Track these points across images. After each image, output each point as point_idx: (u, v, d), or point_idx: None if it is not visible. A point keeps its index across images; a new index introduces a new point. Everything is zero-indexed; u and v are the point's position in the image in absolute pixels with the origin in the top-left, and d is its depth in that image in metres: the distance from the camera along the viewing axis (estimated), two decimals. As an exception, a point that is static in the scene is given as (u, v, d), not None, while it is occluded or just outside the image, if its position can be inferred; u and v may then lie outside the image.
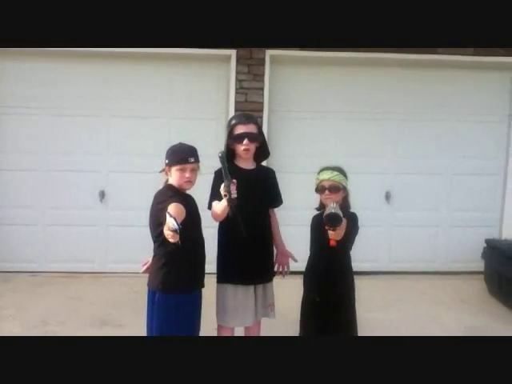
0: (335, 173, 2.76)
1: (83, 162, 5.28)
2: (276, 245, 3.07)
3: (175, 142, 2.74)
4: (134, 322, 3.71)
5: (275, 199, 3.03)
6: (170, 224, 2.13)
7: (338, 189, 2.74)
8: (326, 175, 2.75)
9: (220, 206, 2.57)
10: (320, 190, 2.77)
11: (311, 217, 2.93)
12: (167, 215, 2.18)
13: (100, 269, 5.33)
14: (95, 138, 5.28)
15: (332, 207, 2.34)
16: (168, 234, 2.16)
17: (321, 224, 2.43)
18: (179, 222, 2.17)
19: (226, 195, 2.43)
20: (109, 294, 4.66)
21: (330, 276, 2.71)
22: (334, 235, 2.39)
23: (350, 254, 2.79)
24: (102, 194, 5.30)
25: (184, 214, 2.36)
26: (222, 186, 2.44)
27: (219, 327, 2.93)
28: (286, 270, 3.08)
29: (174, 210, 2.29)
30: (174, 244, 2.20)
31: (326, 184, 2.73)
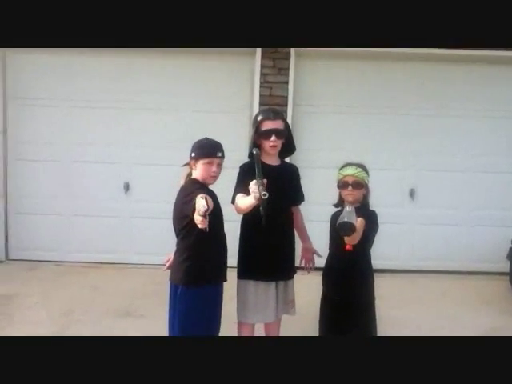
0: (359, 169, 2.74)
1: (107, 154, 5.35)
2: (302, 240, 3.07)
3: (198, 135, 2.75)
4: (155, 314, 3.75)
5: (298, 196, 3.02)
6: (201, 206, 2.12)
7: (360, 185, 2.72)
8: (350, 171, 2.73)
9: (246, 202, 2.54)
10: (342, 185, 2.75)
11: (332, 212, 2.91)
12: (198, 198, 2.18)
13: (122, 260, 5.39)
14: (118, 131, 5.34)
15: (347, 212, 2.33)
16: (198, 218, 2.15)
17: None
18: (209, 211, 2.17)
19: (256, 193, 2.37)
20: (131, 285, 4.73)
21: (349, 275, 2.69)
22: (349, 240, 2.38)
23: (369, 253, 2.77)
24: (127, 186, 5.37)
25: (213, 205, 2.37)
26: (253, 183, 2.40)
27: (239, 323, 2.94)
28: (311, 265, 3.09)
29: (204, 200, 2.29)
30: (201, 230, 2.19)
31: (350, 180, 2.71)
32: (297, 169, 3.06)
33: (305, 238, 3.10)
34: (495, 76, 5.36)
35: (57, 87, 5.30)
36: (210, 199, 2.34)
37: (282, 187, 2.78)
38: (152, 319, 3.78)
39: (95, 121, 5.33)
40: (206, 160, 2.59)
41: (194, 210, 2.29)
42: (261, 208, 2.41)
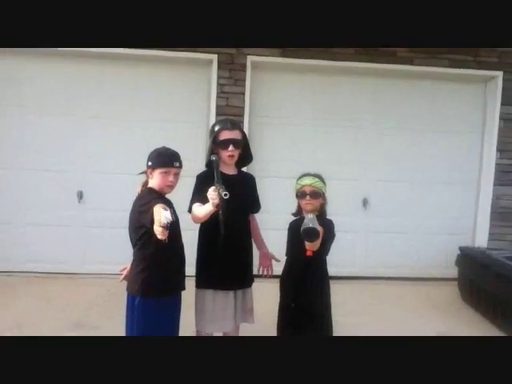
0: (316, 179, 2.82)
1: (60, 162, 5.23)
2: (258, 247, 3.12)
3: (155, 144, 2.76)
4: (110, 325, 3.70)
5: (255, 204, 3.08)
6: (163, 218, 2.13)
7: (318, 195, 2.80)
8: (307, 181, 2.80)
9: (204, 210, 2.57)
10: (300, 195, 2.82)
11: (288, 221, 2.97)
12: (159, 210, 2.19)
13: (76, 270, 5.27)
14: (74, 138, 5.24)
15: (310, 219, 2.39)
16: (158, 229, 2.16)
17: (297, 232, 2.48)
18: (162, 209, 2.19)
19: (214, 200, 2.41)
20: (85, 296, 4.63)
21: (306, 282, 2.75)
22: (311, 246, 2.44)
23: (325, 260, 2.84)
24: (80, 195, 5.26)
25: (173, 216, 2.38)
26: (211, 189, 2.44)
27: (197, 332, 2.95)
28: (269, 272, 3.12)
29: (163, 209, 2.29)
30: (159, 240, 2.19)
31: (307, 190, 2.79)
32: (254, 178, 3.12)
33: (262, 245, 3.15)
34: (448, 92, 5.62)
35: (7, 92, 5.16)
36: (169, 210, 2.35)
37: (240, 196, 2.81)
38: (107, 330, 3.70)
39: (48, 128, 5.20)
40: (163, 169, 2.60)
41: (152, 220, 2.29)
42: (220, 213, 2.45)
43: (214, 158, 2.53)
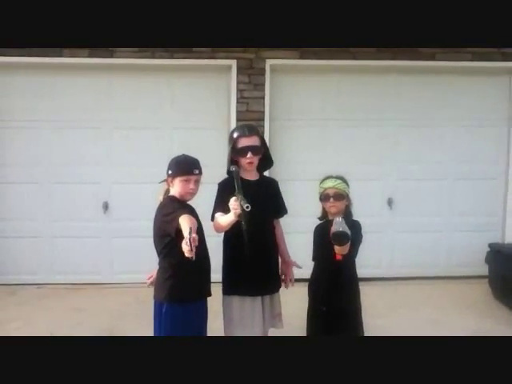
0: (338, 181, 2.80)
1: (85, 174, 5.32)
2: (280, 254, 3.06)
3: (176, 151, 2.79)
4: (140, 333, 3.68)
5: (280, 209, 3.05)
6: (191, 242, 2.12)
7: (342, 197, 2.78)
8: (329, 183, 2.79)
9: (226, 219, 2.56)
10: (324, 198, 2.81)
11: (314, 224, 2.96)
12: (187, 230, 2.17)
13: (105, 280, 5.35)
14: (96, 150, 5.33)
15: (338, 223, 2.36)
16: (185, 248, 2.15)
17: (324, 235, 2.46)
18: (194, 233, 2.18)
19: (236, 210, 2.39)
20: (114, 305, 4.68)
21: (336, 286, 2.73)
22: (341, 250, 2.42)
23: (355, 262, 2.82)
24: (106, 206, 5.34)
25: (196, 226, 2.38)
26: (233, 199, 2.42)
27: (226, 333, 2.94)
28: (290, 279, 3.05)
29: (190, 223, 2.28)
30: (187, 259, 2.18)
31: (331, 192, 2.77)
32: (276, 182, 3.10)
33: (284, 252, 3.09)
34: (473, 86, 5.51)
35: (34, 109, 5.27)
36: (195, 223, 2.36)
37: (262, 201, 2.81)
38: (137, 339, 3.73)
39: (74, 140, 5.30)
40: (184, 177, 2.61)
41: (177, 230, 2.32)
42: (242, 223, 2.44)
43: (233, 168, 2.52)
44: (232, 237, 2.82)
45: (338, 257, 2.47)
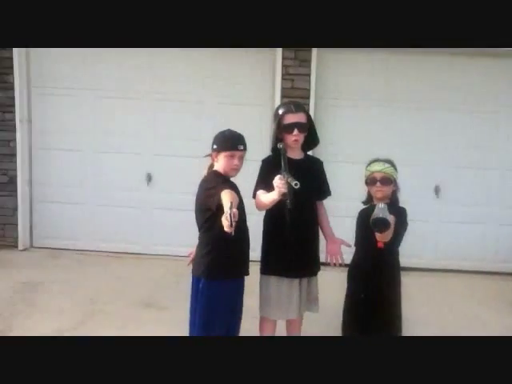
0: (387, 165, 2.69)
1: (131, 145, 5.37)
2: (325, 235, 2.97)
3: (220, 127, 2.73)
4: (177, 305, 3.74)
5: (324, 190, 2.96)
6: (231, 217, 2.08)
7: (389, 181, 2.67)
8: (377, 167, 2.68)
9: (269, 197, 2.51)
10: (371, 182, 2.70)
11: (357, 208, 2.86)
12: (228, 205, 2.14)
13: (144, 250, 5.43)
14: (143, 121, 5.36)
15: (380, 209, 2.27)
16: (225, 223, 2.11)
17: (367, 221, 2.37)
18: (235, 208, 2.15)
19: (281, 188, 2.33)
20: (153, 276, 4.76)
21: (377, 274, 2.64)
22: (382, 237, 2.34)
23: (398, 251, 2.72)
24: (149, 177, 5.39)
25: (238, 202, 2.35)
26: (278, 177, 2.37)
27: (261, 318, 2.92)
28: (338, 260, 2.87)
29: (231, 198, 2.26)
30: (226, 234, 2.13)
31: (378, 176, 2.66)
32: (321, 163, 3.01)
33: (329, 233, 2.97)
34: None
35: (81, 77, 5.33)
36: (237, 198, 2.33)
37: (306, 181, 2.72)
38: (174, 310, 3.78)
39: (119, 111, 5.35)
40: (228, 153, 2.57)
41: (218, 204, 2.29)
42: (288, 201, 2.37)
43: (280, 145, 2.46)
44: (273, 216, 2.77)
45: (380, 244, 2.38)
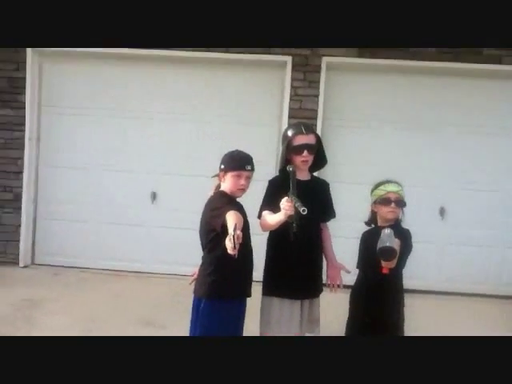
0: (400, 187, 2.66)
1: (136, 163, 5.39)
2: (327, 258, 2.94)
3: (227, 147, 2.73)
4: (177, 324, 3.71)
5: (328, 212, 2.93)
6: (234, 239, 2.05)
7: (402, 204, 2.65)
8: (393, 187, 2.65)
9: (275, 218, 2.48)
10: (384, 202, 2.64)
11: (360, 229, 2.85)
12: (232, 226, 2.11)
13: (147, 269, 5.39)
14: (149, 140, 5.38)
15: (387, 235, 2.24)
16: (228, 245, 2.08)
17: (371, 244, 2.35)
18: (239, 230, 2.12)
19: (287, 210, 2.31)
20: (154, 295, 4.71)
21: (380, 297, 2.60)
22: (387, 264, 2.30)
23: (401, 273, 2.68)
24: (154, 196, 5.38)
25: (242, 223, 2.33)
26: (285, 200, 2.34)
27: (262, 333, 2.87)
28: (338, 283, 2.87)
29: (236, 219, 2.24)
30: (230, 255, 2.10)
31: (393, 197, 2.63)
32: (328, 184, 2.99)
33: (331, 256, 2.94)
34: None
35: (88, 96, 5.38)
36: (241, 220, 2.31)
37: (312, 202, 2.70)
38: (173, 330, 3.73)
39: (125, 130, 5.38)
40: (235, 173, 2.56)
41: (223, 225, 2.28)
42: (294, 225, 2.34)
43: (290, 168, 2.43)
44: (277, 236, 2.74)
45: (385, 270, 2.33)
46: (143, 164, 5.38)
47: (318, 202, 2.81)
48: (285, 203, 2.33)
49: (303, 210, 2.23)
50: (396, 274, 2.58)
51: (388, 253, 2.21)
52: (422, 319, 4.33)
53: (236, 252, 2.05)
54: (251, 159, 2.62)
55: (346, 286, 2.84)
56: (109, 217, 5.43)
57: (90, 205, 5.46)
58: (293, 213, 2.30)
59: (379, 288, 2.57)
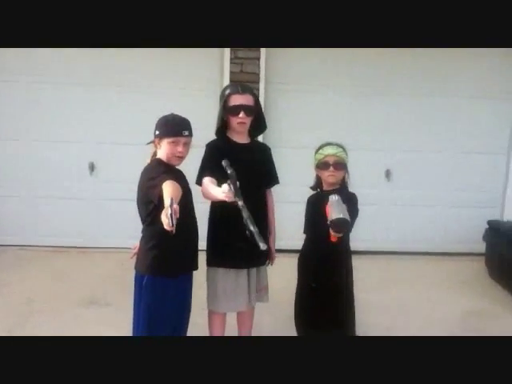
0: (340, 149, 2.58)
1: (69, 133, 5.05)
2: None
3: (166, 112, 2.53)
4: (122, 301, 3.51)
5: (271, 178, 2.83)
6: (169, 214, 1.87)
7: (342, 166, 2.58)
8: (331, 150, 2.56)
9: (214, 194, 2.32)
10: (323, 166, 2.57)
11: (306, 194, 2.77)
12: (168, 201, 1.92)
13: (90, 244, 5.15)
14: (84, 108, 5.04)
15: (335, 205, 2.14)
16: (164, 220, 1.91)
17: (318, 209, 2.28)
18: (176, 203, 1.95)
19: (228, 197, 2.17)
20: (98, 271, 4.51)
21: (328, 261, 2.54)
22: (338, 234, 2.21)
23: (348, 236, 2.63)
24: (92, 167, 5.11)
25: (181, 194, 2.15)
26: (225, 186, 2.18)
27: (210, 312, 2.79)
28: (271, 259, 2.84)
29: (173, 191, 2.06)
30: (167, 231, 1.92)
31: (331, 160, 2.55)
32: (269, 149, 2.88)
33: (270, 229, 2.84)
34: (476, 58, 5.16)
35: (17, 61, 4.95)
36: (179, 191, 2.13)
37: (252, 167, 2.61)
38: (118, 308, 3.59)
39: (59, 97, 5.00)
40: (171, 139, 2.38)
41: (160, 197, 2.10)
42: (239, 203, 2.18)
43: (229, 171, 2.23)
44: (219, 204, 2.58)
45: (334, 239, 2.23)
46: (79, 133, 5.05)
47: (260, 167, 2.71)
48: (226, 191, 2.17)
49: (263, 246, 2.04)
50: (342, 238, 2.53)
51: (342, 225, 2.10)
52: (371, 280, 4.40)
53: (173, 228, 1.89)
54: (188, 123, 2.44)
55: (293, 251, 2.78)
56: (46, 190, 5.11)
57: (24, 178, 5.11)
58: (232, 200, 2.14)
59: (326, 253, 2.51)
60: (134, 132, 4.87)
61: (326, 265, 2.55)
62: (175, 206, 1.89)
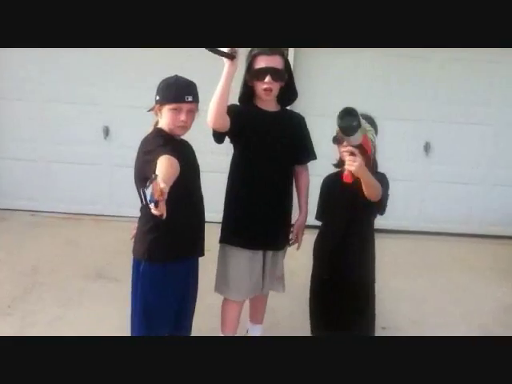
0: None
1: (86, 95, 4.76)
2: (300, 205, 2.53)
3: (184, 75, 2.16)
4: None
5: (305, 152, 2.46)
6: (148, 193, 1.57)
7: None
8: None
9: (219, 87, 2.05)
10: (339, 140, 2.04)
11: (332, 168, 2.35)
12: (154, 179, 1.58)
13: (103, 211, 4.93)
14: (100, 69, 4.73)
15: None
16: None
17: (333, 190, 2.07)
18: (169, 182, 1.63)
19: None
20: (109, 242, 4.25)
21: (344, 251, 2.19)
22: (352, 164, 1.85)
23: (372, 222, 2.26)
24: (106, 131, 4.82)
25: (177, 172, 1.80)
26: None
27: (225, 300, 2.50)
28: (297, 240, 2.53)
29: (165, 168, 1.74)
30: (170, 193, 1.60)
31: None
32: (303, 119, 2.50)
33: (302, 207, 2.53)
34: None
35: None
36: (174, 169, 1.78)
37: (282, 139, 2.28)
38: (127, 285, 3.31)
39: (74, 59, 4.69)
40: (173, 105, 2.03)
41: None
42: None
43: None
44: (239, 173, 2.35)
45: (347, 179, 1.90)
46: (94, 96, 4.74)
47: (289, 140, 2.35)
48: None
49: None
50: (363, 222, 2.20)
51: (349, 127, 1.87)
52: (400, 263, 4.06)
53: (162, 212, 1.57)
54: (194, 87, 2.08)
55: (313, 227, 2.44)
56: (60, 155, 4.87)
57: (37, 141, 4.87)
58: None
59: (343, 238, 2.18)
60: (151, 96, 4.53)
61: (341, 254, 2.20)
62: (162, 185, 1.55)
